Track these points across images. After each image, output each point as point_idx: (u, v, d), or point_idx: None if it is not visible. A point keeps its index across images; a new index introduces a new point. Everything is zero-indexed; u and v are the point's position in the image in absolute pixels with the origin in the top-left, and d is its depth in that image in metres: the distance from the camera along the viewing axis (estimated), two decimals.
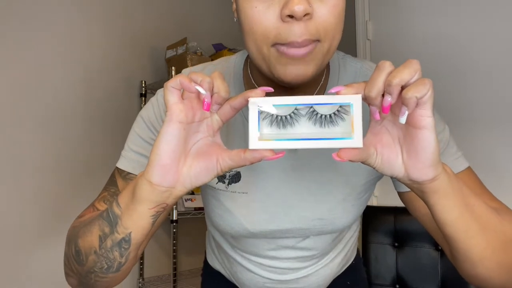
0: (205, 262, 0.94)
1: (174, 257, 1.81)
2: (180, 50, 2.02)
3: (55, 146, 1.79)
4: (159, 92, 0.70)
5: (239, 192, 0.69)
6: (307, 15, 0.50)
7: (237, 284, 0.85)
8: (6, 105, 1.68)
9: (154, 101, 0.69)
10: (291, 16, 0.50)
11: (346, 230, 0.81)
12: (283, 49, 0.52)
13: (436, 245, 1.38)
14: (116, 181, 0.72)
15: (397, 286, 1.43)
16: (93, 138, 1.90)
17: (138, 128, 0.72)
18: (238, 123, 0.67)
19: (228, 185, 0.69)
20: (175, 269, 1.80)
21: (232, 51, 2.17)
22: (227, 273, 0.86)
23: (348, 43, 1.97)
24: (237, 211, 0.70)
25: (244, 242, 0.76)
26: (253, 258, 0.78)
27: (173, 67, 1.90)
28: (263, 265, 0.78)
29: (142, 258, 1.99)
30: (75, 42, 1.88)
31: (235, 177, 0.68)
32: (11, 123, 1.69)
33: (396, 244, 1.44)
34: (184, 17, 2.28)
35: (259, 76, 0.64)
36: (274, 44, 0.52)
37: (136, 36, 2.08)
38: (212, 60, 2.31)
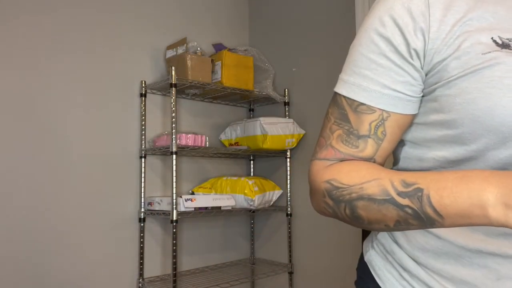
0: (367, 279, 0.69)
1: (174, 257, 1.81)
2: (180, 50, 2.02)
3: (55, 145, 1.79)
4: None
5: None
6: None
7: None
8: (5, 105, 1.68)
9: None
10: None
11: None
12: None
13: None
14: (348, 116, 0.59)
15: None
16: (93, 137, 1.90)
17: (375, 44, 0.57)
18: None
19: None
20: (175, 269, 1.80)
21: (232, 51, 2.18)
22: None
23: (348, 43, 1.97)
24: None
25: None
26: None
27: (173, 67, 1.90)
28: None
29: (142, 258, 1.99)
30: (75, 42, 1.89)
31: None
32: (6, 124, 1.69)
33: None
34: (184, 17, 2.28)
35: None
36: None
37: (136, 36, 2.08)
38: (212, 59, 2.28)
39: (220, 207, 2.01)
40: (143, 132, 2.04)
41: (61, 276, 1.77)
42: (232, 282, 1.98)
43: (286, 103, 2.26)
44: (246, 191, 2.06)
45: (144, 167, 2.03)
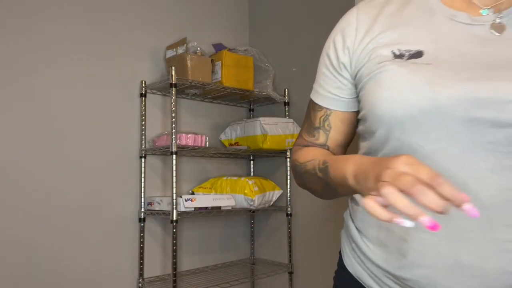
0: (340, 265, 0.81)
1: (174, 257, 1.81)
2: (180, 50, 2.02)
3: (55, 145, 1.79)
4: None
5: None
6: None
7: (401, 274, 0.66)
8: (5, 105, 1.68)
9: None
10: None
11: None
12: None
13: None
14: (311, 113, 0.82)
15: None
16: (93, 137, 1.90)
17: (320, 63, 0.81)
18: None
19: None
20: (175, 269, 1.80)
21: (232, 51, 2.18)
22: (384, 267, 0.69)
23: None
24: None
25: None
26: None
27: (173, 67, 1.90)
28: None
29: (142, 258, 1.99)
30: (75, 42, 1.89)
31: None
32: (6, 124, 1.69)
33: None
34: (184, 17, 2.28)
35: None
36: None
37: (136, 36, 2.08)
38: (212, 59, 2.27)
39: (220, 207, 2.01)
40: (143, 132, 2.04)
41: (61, 276, 1.77)
42: (232, 282, 1.98)
43: (286, 103, 2.26)
44: (246, 191, 2.06)
45: (144, 167, 2.03)
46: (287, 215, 2.20)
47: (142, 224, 2.00)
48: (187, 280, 2.04)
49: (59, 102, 1.82)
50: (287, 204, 2.22)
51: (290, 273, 2.18)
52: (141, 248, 1.99)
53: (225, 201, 2.03)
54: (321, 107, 0.78)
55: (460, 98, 0.57)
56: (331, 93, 0.77)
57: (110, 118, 1.96)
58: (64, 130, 1.82)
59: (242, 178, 2.12)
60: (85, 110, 1.89)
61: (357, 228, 0.76)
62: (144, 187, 2.02)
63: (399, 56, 0.64)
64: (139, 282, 1.97)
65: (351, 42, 0.72)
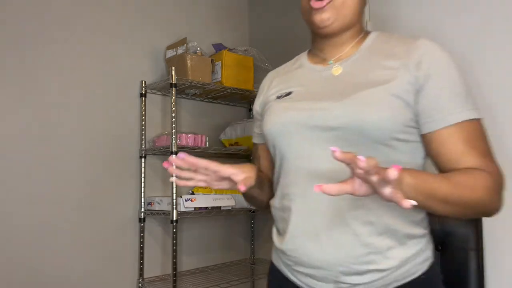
0: (271, 264, 1.03)
1: (174, 257, 1.81)
2: (180, 50, 2.02)
3: (55, 145, 1.79)
4: None
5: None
6: None
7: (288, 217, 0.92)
8: (5, 105, 1.68)
9: None
10: None
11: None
12: (311, 3, 0.90)
13: (436, 245, 1.38)
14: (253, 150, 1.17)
15: None
16: (93, 137, 1.90)
17: None
18: None
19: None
20: (175, 269, 1.80)
21: (232, 51, 2.18)
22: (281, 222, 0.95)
23: None
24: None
25: None
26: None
27: (173, 67, 1.90)
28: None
29: (142, 258, 1.99)
30: (75, 42, 1.88)
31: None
32: (6, 124, 1.69)
33: None
34: (184, 17, 2.28)
35: (312, 35, 1.00)
36: (309, 0, 0.91)
37: (136, 36, 2.08)
38: (212, 59, 2.29)
39: (220, 207, 2.01)
40: (143, 132, 2.04)
41: (61, 276, 1.77)
42: (232, 282, 1.99)
43: None
44: None
45: (144, 167, 2.03)
46: None
47: (142, 224, 2.00)
48: (187, 280, 2.04)
49: (59, 102, 1.82)
50: None
51: None
52: (141, 248, 1.99)
53: (225, 201, 2.03)
54: (255, 144, 1.13)
55: (302, 116, 0.88)
56: (255, 132, 1.12)
57: (110, 118, 1.96)
58: (64, 130, 1.82)
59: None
60: (85, 110, 1.89)
61: (276, 228, 0.99)
62: (144, 187, 2.02)
63: (279, 97, 0.98)
64: (139, 282, 1.97)
65: (262, 95, 1.08)
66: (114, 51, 2.00)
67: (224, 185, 0.89)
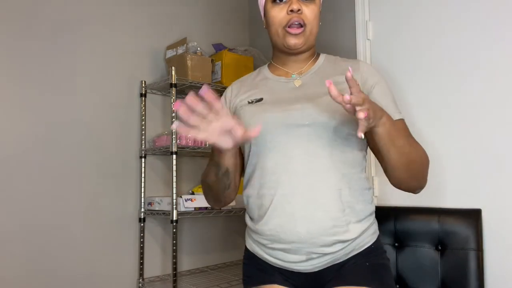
0: (245, 250, 1.23)
1: (174, 257, 1.81)
2: (180, 50, 2.02)
3: (55, 145, 1.79)
4: None
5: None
6: (299, 10, 1.08)
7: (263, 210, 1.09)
8: (5, 105, 1.68)
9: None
10: (292, 11, 1.08)
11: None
12: (289, 30, 1.10)
13: (436, 245, 1.38)
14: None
15: (397, 286, 1.43)
16: (93, 137, 1.90)
17: None
18: None
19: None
20: (175, 269, 1.80)
21: (232, 51, 2.18)
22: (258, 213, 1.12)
23: (348, 43, 1.97)
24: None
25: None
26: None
27: (173, 67, 1.90)
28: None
29: (142, 258, 1.99)
30: (75, 42, 1.88)
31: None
32: (6, 125, 1.69)
33: (396, 244, 1.45)
34: (184, 17, 2.28)
35: (276, 52, 1.21)
36: (284, 27, 1.10)
37: (136, 36, 2.08)
38: (212, 59, 2.29)
39: (220, 207, 2.01)
40: (143, 132, 2.04)
41: (61, 276, 1.77)
42: (232, 282, 1.99)
43: None
44: None
45: (144, 167, 2.03)
46: None
47: (142, 224, 2.00)
48: (187, 280, 2.04)
49: (59, 102, 1.82)
50: None
51: None
52: (141, 248, 1.99)
53: None
54: None
55: (278, 116, 1.05)
56: None
57: (110, 118, 1.96)
58: (64, 130, 1.82)
59: (242, 178, 2.12)
60: (85, 110, 1.89)
61: (249, 216, 1.17)
62: (144, 187, 2.02)
63: (250, 102, 1.13)
64: (139, 282, 1.97)
65: (228, 103, 1.21)
66: (114, 51, 2.00)
67: (222, 141, 0.91)
